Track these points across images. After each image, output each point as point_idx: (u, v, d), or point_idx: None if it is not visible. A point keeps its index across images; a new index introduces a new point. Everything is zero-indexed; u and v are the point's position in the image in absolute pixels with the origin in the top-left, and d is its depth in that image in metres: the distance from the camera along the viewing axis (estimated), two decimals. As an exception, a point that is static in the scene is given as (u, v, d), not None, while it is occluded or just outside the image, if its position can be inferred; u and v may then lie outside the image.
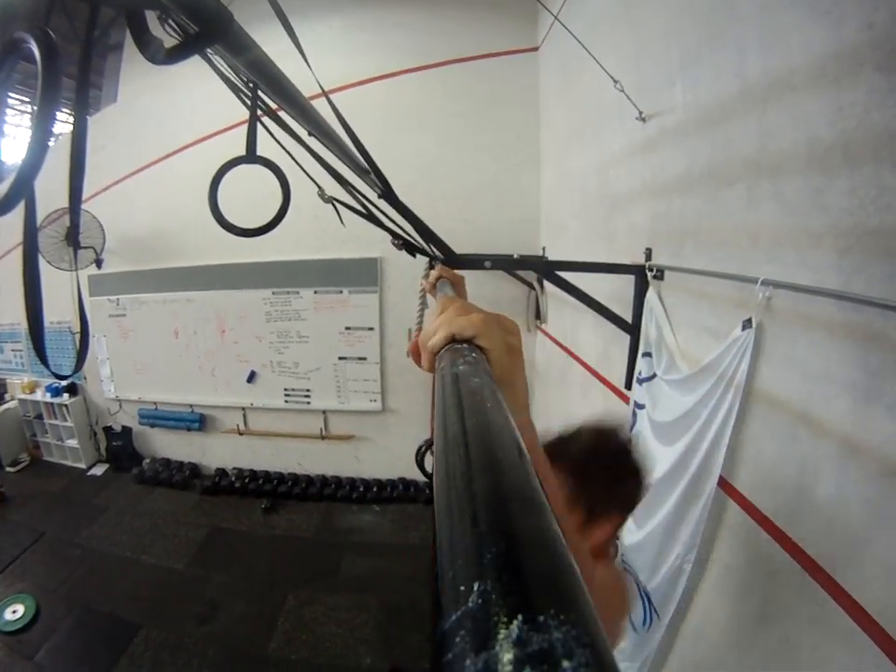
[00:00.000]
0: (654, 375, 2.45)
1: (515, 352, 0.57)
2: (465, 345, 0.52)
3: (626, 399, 2.84)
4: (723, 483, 1.91)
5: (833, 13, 1.36)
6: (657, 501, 2.17)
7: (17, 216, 0.64)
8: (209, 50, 1.04)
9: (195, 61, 0.89)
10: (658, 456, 2.26)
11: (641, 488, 1.37)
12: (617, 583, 1.30)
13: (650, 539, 2.22)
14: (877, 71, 1.23)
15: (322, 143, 1.56)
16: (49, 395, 6.62)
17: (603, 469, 1.29)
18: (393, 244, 2.46)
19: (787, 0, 1.57)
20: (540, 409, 5.20)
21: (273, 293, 5.84)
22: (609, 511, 1.29)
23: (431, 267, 2.14)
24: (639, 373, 2.62)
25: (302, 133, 1.62)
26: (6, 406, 6.81)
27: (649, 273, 2.53)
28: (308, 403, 6.13)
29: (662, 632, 2.18)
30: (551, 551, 0.22)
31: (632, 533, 2.31)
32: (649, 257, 2.59)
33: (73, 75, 0.76)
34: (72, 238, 5.25)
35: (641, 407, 2.55)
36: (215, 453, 6.56)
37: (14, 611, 4.16)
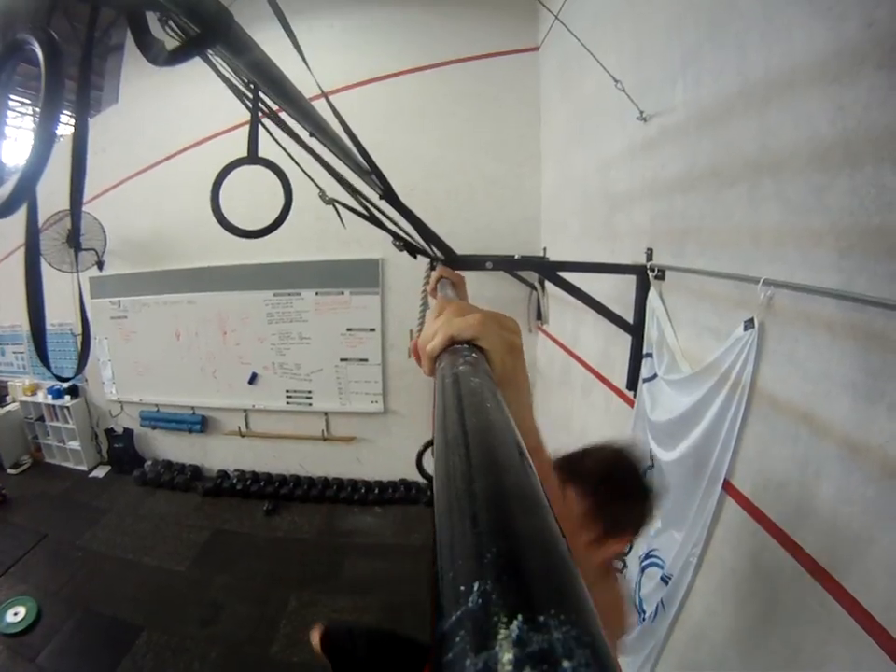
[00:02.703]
0: (655, 376, 2.45)
1: (516, 350, 0.56)
2: (465, 346, 0.52)
3: (628, 400, 2.84)
4: (725, 483, 1.91)
5: (834, 10, 1.36)
6: (669, 492, 2.19)
7: (17, 217, 0.64)
8: (210, 51, 1.04)
9: (195, 62, 0.89)
10: (658, 457, 2.28)
11: (653, 510, 1.40)
12: (619, 602, 1.32)
13: (666, 527, 2.23)
14: (878, 69, 1.23)
15: (323, 144, 1.56)
16: (50, 397, 6.64)
17: (620, 488, 1.32)
18: (394, 245, 2.46)
19: (787, -1, 1.57)
20: (541, 409, 5.19)
21: (275, 294, 5.85)
22: (623, 530, 1.31)
23: (433, 268, 2.14)
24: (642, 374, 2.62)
25: (303, 134, 1.62)
26: (7, 408, 6.82)
27: (650, 274, 2.53)
28: (310, 405, 6.13)
29: (667, 624, 2.20)
30: (551, 551, 0.22)
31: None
32: (650, 257, 2.59)
33: (74, 76, 0.76)
34: (73, 240, 5.26)
35: (643, 408, 2.55)
36: (216, 455, 6.57)
37: (16, 613, 4.16)
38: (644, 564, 2.40)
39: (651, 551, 2.36)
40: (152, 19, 0.83)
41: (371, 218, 2.36)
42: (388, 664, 2.12)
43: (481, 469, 0.28)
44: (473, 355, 0.50)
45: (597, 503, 1.27)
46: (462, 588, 0.19)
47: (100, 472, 6.70)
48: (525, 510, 0.25)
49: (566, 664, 0.16)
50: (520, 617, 0.17)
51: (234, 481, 6.26)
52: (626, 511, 1.32)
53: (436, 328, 0.56)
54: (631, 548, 1.39)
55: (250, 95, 1.22)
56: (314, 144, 1.67)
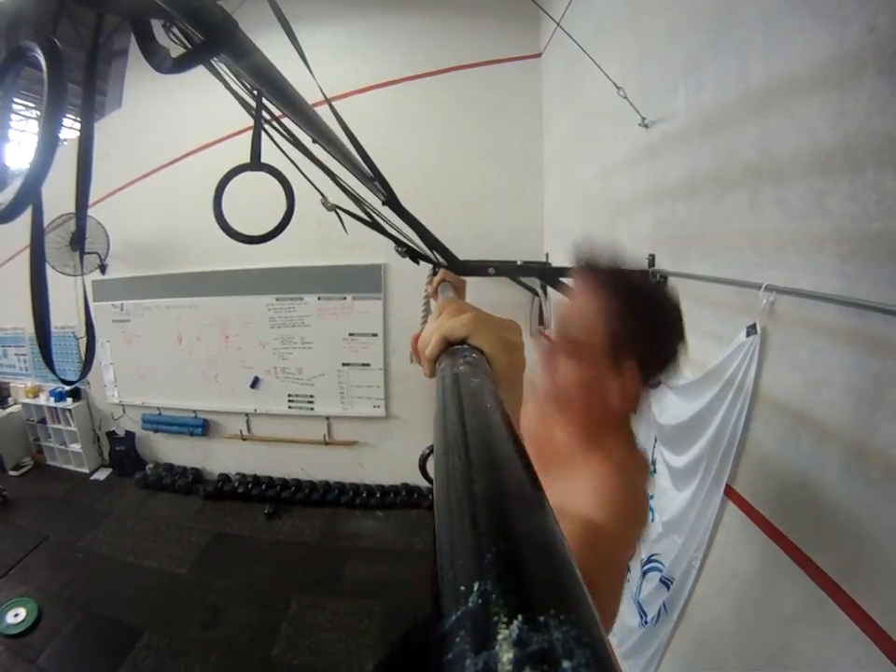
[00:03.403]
0: (659, 382, 2.44)
1: (514, 348, 0.56)
2: (465, 347, 0.52)
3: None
4: (726, 488, 1.91)
5: (834, 17, 1.36)
6: (673, 497, 2.19)
7: (20, 221, 0.65)
8: (214, 58, 1.05)
9: (199, 67, 0.89)
10: (669, 462, 2.27)
11: (679, 356, 1.18)
12: (639, 472, 1.13)
13: (668, 532, 2.23)
14: (879, 75, 1.23)
15: (326, 150, 1.56)
16: (52, 399, 6.64)
17: (656, 312, 1.12)
18: (397, 251, 2.46)
19: (789, 4, 1.57)
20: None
21: (277, 299, 5.85)
22: (641, 360, 1.09)
23: (435, 273, 2.14)
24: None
25: (306, 140, 1.62)
26: (9, 410, 6.83)
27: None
28: (311, 409, 6.13)
29: (670, 627, 2.19)
30: (551, 551, 0.22)
31: (655, 523, 2.34)
32: (652, 262, 2.59)
33: (78, 81, 0.76)
34: (79, 243, 5.26)
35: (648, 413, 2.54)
36: (218, 458, 6.56)
37: (16, 615, 4.15)
38: (645, 569, 2.39)
39: (652, 555, 2.35)
40: (156, 26, 0.83)
41: (374, 224, 2.36)
42: None
43: (481, 470, 0.28)
44: (473, 355, 0.50)
45: (626, 317, 1.06)
46: (462, 588, 0.19)
47: (101, 475, 6.70)
48: (526, 510, 0.25)
49: (566, 664, 0.16)
50: (520, 617, 0.17)
51: (236, 484, 6.24)
52: (649, 342, 1.09)
53: (432, 330, 0.56)
54: (644, 402, 1.18)
55: (254, 101, 1.23)
56: (316, 150, 1.68)
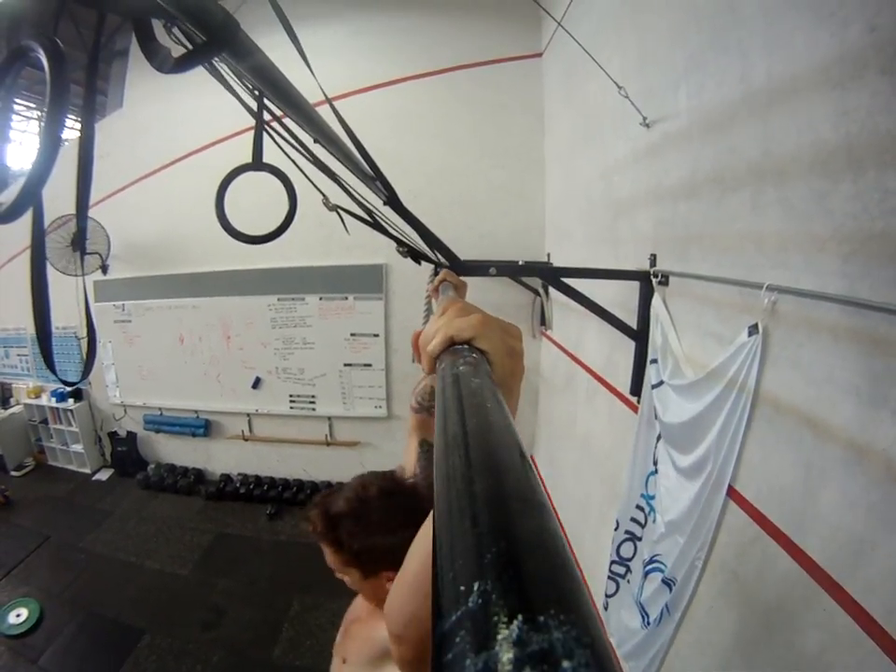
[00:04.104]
0: (662, 382, 2.44)
1: (516, 354, 0.56)
2: (465, 346, 0.52)
3: (632, 406, 2.83)
4: (729, 488, 1.90)
5: (836, 16, 1.36)
6: (676, 497, 2.18)
7: (21, 221, 0.65)
8: (215, 58, 1.05)
9: (200, 68, 0.89)
10: (675, 462, 2.26)
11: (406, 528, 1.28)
12: None
13: (670, 532, 2.22)
14: (881, 74, 1.23)
15: (327, 150, 1.56)
16: (54, 400, 6.66)
17: (355, 527, 1.34)
18: (398, 251, 2.46)
19: (790, 3, 1.57)
20: (545, 415, 5.19)
21: (279, 299, 5.85)
22: (384, 568, 1.31)
23: (436, 274, 2.14)
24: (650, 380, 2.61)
25: (307, 140, 1.63)
26: (11, 411, 6.85)
27: (654, 279, 2.52)
28: (313, 409, 6.13)
29: (672, 628, 2.19)
30: (551, 551, 0.22)
31: (657, 523, 2.34)
32: (653, 262, 2.59)
33: (80, 81, 0.76)
34: (80, 244, 5.26)
35: (655, 414, 2.54)
36: (219, 458, 6.57)
37: (18, 615, 4.17)
38: (647, 569, 2.39)
39: (654, 556, 2.35)
40: (157, 25, 0.83)
41: (375, 224, 2.36)
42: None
43: (481, 470, 0.28)
44: (474, 355, 0.49)
45: (346, 548, 1.33)
46: (462, 588, 0.19)
47: (103, 475, 6.72)
48: (526, 510, 0.25)
49: (566, 664, 0.16)
50: (520, 617, 0.17)
51: (237, 485, 6.26)
52: (384, 548, 1.30)
53: (437, 327, 0.56)
54: None
55: (255, 102, 1.23)
56: (318, 150, 1.68)
